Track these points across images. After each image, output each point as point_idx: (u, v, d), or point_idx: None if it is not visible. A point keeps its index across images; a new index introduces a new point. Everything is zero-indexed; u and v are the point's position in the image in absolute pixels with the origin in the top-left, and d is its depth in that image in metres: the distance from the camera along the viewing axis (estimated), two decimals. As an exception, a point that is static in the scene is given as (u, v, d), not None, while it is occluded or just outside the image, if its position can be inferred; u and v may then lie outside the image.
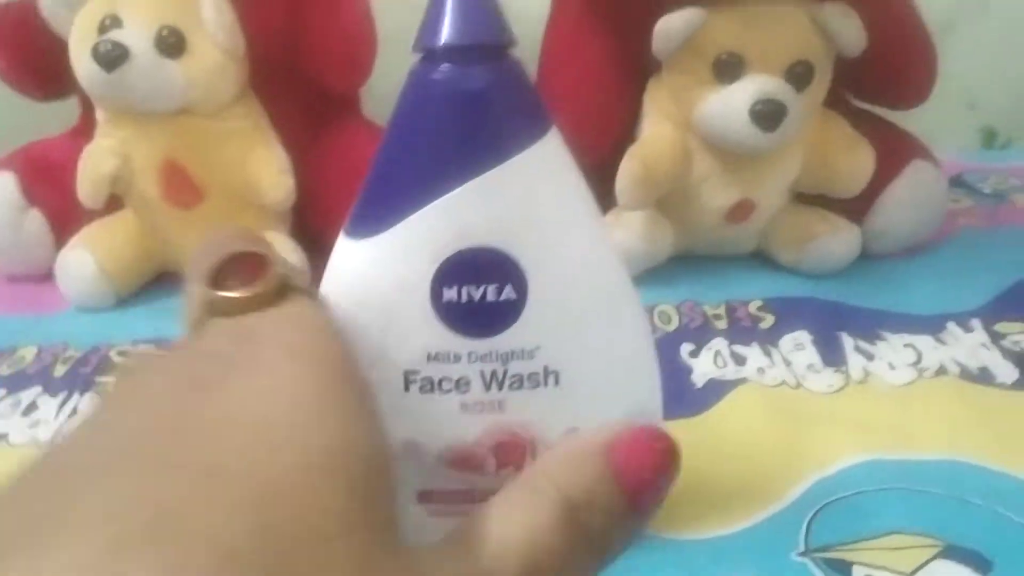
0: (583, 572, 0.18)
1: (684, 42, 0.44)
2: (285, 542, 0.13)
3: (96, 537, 0.13)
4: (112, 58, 0.43)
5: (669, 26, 0.43)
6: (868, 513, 0.31)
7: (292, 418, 0.15)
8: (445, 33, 0.22)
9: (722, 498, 0.32)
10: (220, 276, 0.18)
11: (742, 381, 0.39)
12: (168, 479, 0.14)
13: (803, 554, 0.30)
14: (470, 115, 0.22)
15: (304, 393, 0.16)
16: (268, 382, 0.16)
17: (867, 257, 0.49)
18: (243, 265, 0.18)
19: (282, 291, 0.18)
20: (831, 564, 0.29)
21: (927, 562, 0.29)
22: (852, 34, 0.44)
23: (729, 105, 0.43)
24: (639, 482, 0.18)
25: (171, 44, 0.45)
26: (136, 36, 0.44)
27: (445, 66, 0.22)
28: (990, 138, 0.76)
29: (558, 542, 0.17)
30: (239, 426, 0.15)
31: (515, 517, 0.17)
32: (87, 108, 0.54)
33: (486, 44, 0.22)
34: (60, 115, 0.56)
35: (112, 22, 0.45)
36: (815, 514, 0.31)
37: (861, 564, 0.29)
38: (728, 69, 0.43)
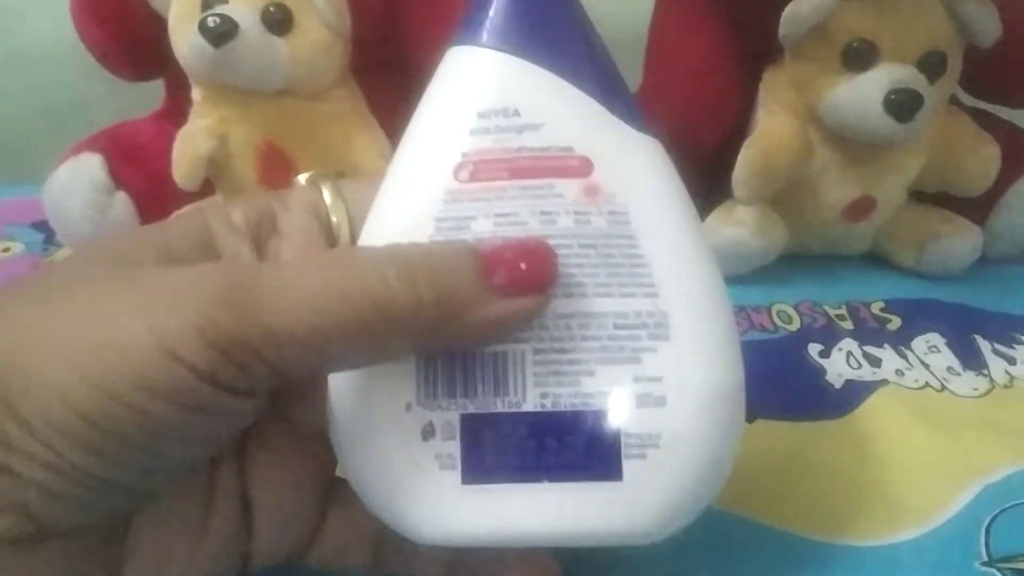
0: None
1: (813, 27, 0.42)
2: None
3: None
4: (221, 32, 0.41)
5: (799, 10, 0.41)
6: (1048, 522, 0.29)
7: None
8: None
9: (885, 503, 0.30)
10: None
11: (883, 383, 0.37)
12: None
13: (987, 564, 0.27)
14: None
15: None
16: None
17: (983, 260, 0.47)
18: None
19: None
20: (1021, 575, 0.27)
21: None
22: (988, 23, 0.42)
23: (862, 93, 0.41)
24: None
25: (278, 20, 0.43)
26: (243, 12, 0.42)
27: None
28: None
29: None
30: None
31: None
32: (174, 91, 0.52)
33: None
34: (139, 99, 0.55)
35: (216, -2, 0.43)
36: (991, 522, 0.29)
37: (1056, 576, 0.27)
38: (859, 57, 0.41)
